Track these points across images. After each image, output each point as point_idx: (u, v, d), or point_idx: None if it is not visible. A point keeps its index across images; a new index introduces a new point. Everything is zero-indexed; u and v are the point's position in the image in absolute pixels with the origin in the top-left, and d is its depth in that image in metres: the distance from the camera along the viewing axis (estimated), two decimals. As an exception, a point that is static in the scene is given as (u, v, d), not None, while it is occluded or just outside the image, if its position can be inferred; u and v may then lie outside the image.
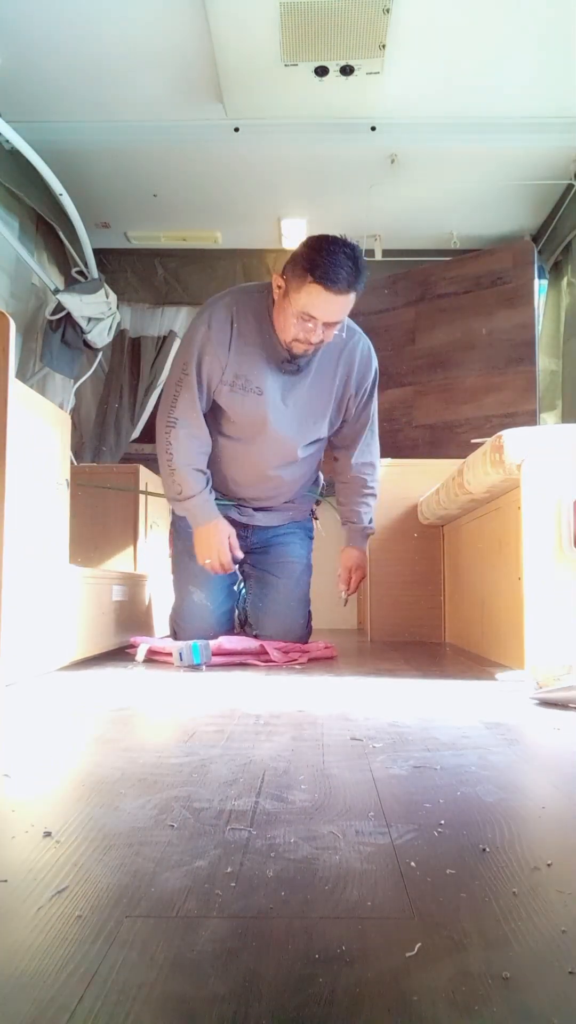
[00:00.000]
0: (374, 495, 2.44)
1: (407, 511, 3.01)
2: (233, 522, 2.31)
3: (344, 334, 2.17)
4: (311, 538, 2.57)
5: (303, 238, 1.88)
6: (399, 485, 2.95)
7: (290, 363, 2.14)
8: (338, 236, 2.00)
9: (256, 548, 2.43)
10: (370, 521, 2.44)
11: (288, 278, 2.01)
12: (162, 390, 2.45)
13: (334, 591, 2.46)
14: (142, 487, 3.10)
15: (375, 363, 2.32)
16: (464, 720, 1.26)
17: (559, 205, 3.73)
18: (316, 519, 2.61)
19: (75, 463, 2.61)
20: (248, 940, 0.50)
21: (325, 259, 1.92)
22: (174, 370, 2.19)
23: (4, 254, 3.37)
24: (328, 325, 2.03)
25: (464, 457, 2.17)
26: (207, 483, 2.22)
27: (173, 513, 2.54)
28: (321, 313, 1.98)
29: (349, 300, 2.00)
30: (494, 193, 3.74)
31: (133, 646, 2.27)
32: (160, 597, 2.95)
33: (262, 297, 2.14)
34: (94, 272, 3.92)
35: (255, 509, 2.39)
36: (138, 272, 4.30)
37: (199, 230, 4.13)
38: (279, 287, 2.05)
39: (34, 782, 0.88)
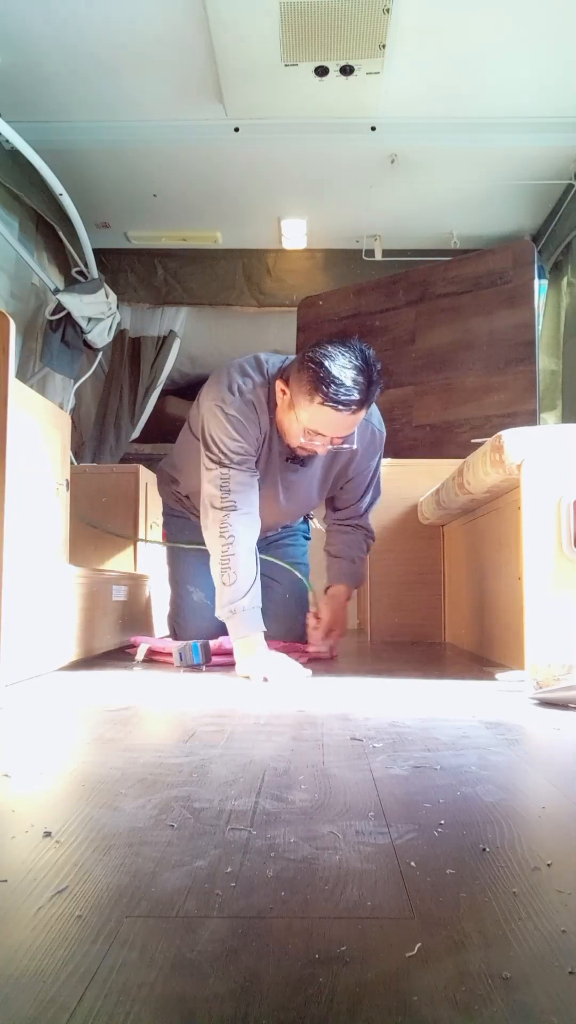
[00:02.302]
0: (368, 546, 2.30)
1: (407, 511, 3.01)
2: None
3: (362, 425, 1.96)
4: (308, 538, 2.56)
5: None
6: (399, 485, 2.94)
7: (293, 460, 2.02)
8: (349, 343, 1.80)
9: None
10: (362, 564, 2.27)
11: (294, 390, 1.82)
12: (177, 451, 2.32)
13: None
14: (142, 487, 3.09)
15: (381, 444, 2.16)
16: (464, 720, 1.26)
17: (559, 205, 3.73)
18: (312, 518, 2.58)
19: (75, 463, 2.60)
20: (248, 940, 0.50)
21: (335, 376, 1.73)
22: (205, 461, 1.93)
23: (4, 254, 3.37)
24: (337, 439, 1.87)
25: (464, 457, 2.17)
26: (256, 577, 1.94)
27: (165, 513, 2.53)
28: (331, 431, 1.83)
29: (360, 415, 1.83)
30: (494, 193, 3.74)
31: (133, 646, 2.27)
32: (160, 597, 2.94)
33: (266, 387, 1.93)
34: (94, 272, 3.92)
35: None
36: (138, 272, 4.30)
37: (199, 230, 4.13)
38: (283, 392, 1.87)
39: (34, 782, 0.88)
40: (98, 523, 2.91)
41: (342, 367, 1.75)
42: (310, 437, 1.86)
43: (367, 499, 2.25)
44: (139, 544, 3.06)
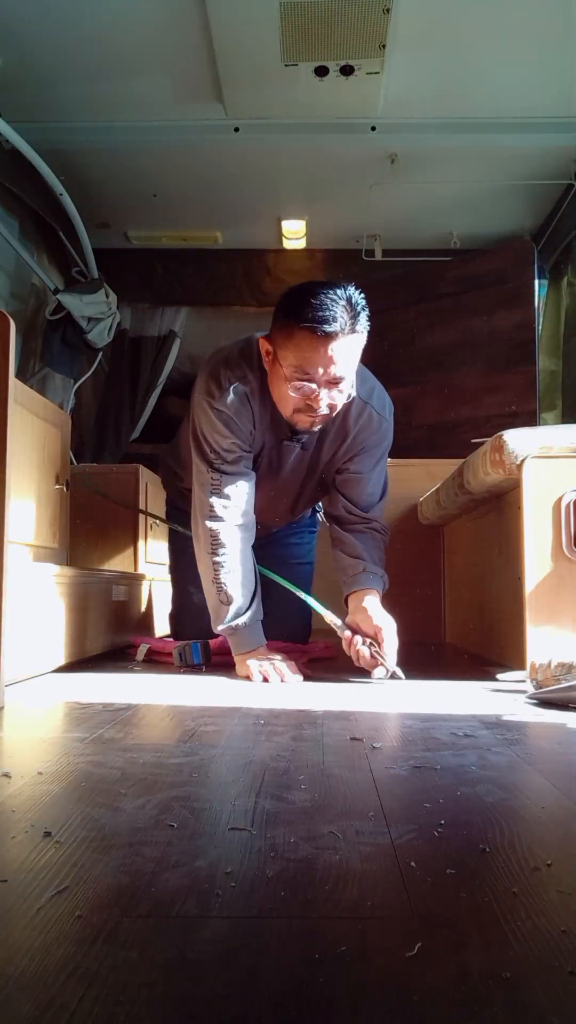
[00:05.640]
0: (384, 541, 2.04)
1: (407, 511, 3.00)
2: None
3: (358, 406, 1.81)
4: (313, 532, 2.48)
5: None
6: (399, 485, 2.93)
7: (291, 440, 1.88)
8: (327, 280, 1.71)
9: (255, 547, 2.40)
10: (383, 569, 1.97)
11: (274, 336, 1.69)
12: (173, 447, 2.29)
13: (334, 591, 2.43)
14: (142, 487, 3.09)
15: (381, 431, 1.96)
16: (464, 720, 1.26)
17: (559, 205, 3.73)
18: (319, 511, 2.47)
19: (75, 463, 2.59)
20: (248, 940, 0.50)
21: (310, 300, 1.60)
22: (197, 462, 1.86)
23: (4, 254, 3.37)
24: (330, 383, 1.67)
25: (464, 457, 2.17)
26: (257, 588, 1.87)
27: (169, 508, 2.49)
28: (317, 365, 1.63)
29: (349, 346, 1.64)
30: (494, 193, 3.74)
31: (133, 646, 2.27)
32: (160, 597, 2.94)
33: (258, 372, 1.81)
34: (94, 272, 3.92)
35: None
36: (138, 272, 4.30)
37: (199, 230, 4.14)
38: (267, 352, 1.73)
39: (34, 782, 0.88)
40: (101, 489, 2.89)
41: (316, 293, 1.62)
42: (300, 384, 1.66)
43: (372, 494, 2.04)
44: (139, 544, 3.06)
